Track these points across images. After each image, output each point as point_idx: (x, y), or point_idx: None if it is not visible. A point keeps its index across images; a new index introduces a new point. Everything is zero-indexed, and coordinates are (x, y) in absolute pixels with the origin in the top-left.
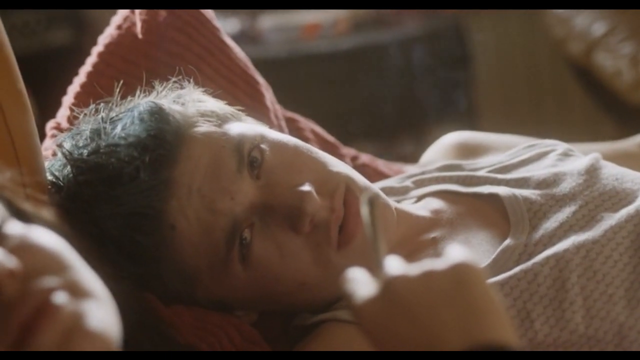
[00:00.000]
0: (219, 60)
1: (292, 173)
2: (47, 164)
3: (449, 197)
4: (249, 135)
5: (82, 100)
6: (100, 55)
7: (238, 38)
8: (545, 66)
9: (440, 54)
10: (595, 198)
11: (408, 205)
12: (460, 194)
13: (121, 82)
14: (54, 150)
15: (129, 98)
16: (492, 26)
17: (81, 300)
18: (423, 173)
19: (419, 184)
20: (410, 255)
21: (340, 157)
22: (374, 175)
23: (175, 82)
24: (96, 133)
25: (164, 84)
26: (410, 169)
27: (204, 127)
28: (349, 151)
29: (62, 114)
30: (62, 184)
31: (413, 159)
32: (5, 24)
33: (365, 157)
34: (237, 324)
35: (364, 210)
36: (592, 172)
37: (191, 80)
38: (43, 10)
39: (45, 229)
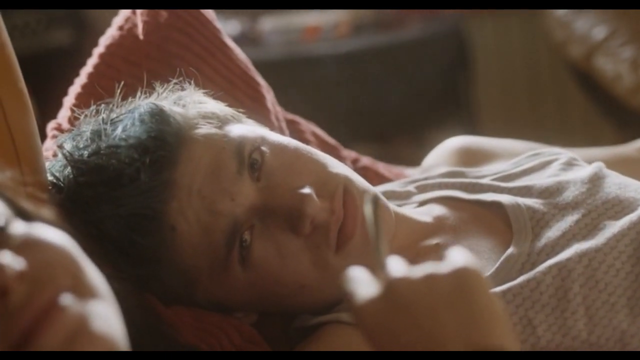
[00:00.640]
0: (220, 61)
1: (292, 175)
2: (47, 164)
3: (452, 204)
4: (250, 137)
5: (83, 101)
6: (101, 56)
7: (238, 40)
8: (545, 70)
9: (440, 57)
10: (598, 207)
11: (410, 210)
12: (463, 201)
13: (122, 83)
14: (55, 151)
15: (130, 99)
16: (493, 29)
17: (87, 301)
18: (426, 178)
19: (422, 189)
20: (413, 260)
21: (341, 159)
22: (375, 178)
23: (176, 83)
24: (97, 134)
25: (165, 85)
26: (411, 172)
27: (204, 129)
28: (349, 154)
29: (63, 115)
30: (62, 184)
31: (413, 162)
32: (6, 24)
33: (366, 160)
34: (237, 325)
35: (367, 210)
36: (595, 181)
37: (192, 81)
38: (43, 10)
39: (51, 227)
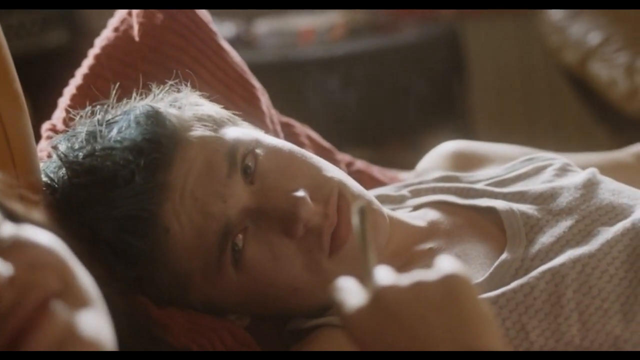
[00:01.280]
0: (216, 63)
1: (286, 178)
2: (42, 165)
3: (446, 208)
4: (244, 140)
5: (78, 102)
6: (97, 57)
7: (233, 42)
8: (540, 74)
9: (435, 61)
10: (591, 212)
11: (404, 214)
12: (457, 206)
13: (117, 84)
14: (49, 152)
15: (125, 100)
16: (488, 33)
17: (76, 305)
18: (420, 183)
19: (416, 193)
20: (406, 265)
21: (336, 162)
22: (369, 181)
23: (172, 85)
24: (92, 136)
25: (161, 87)
26: (405, 176)
27: (199, 131)
28: (344, 157)
29: (58, 116)
30: (56, 185)
31: (407, 165)
32: (1, 24)
33: (360, 163)
34: (230, 327)
35: (355, 220)
36: (589, 187)
37: (188, 83)
38: (38, 11)
39: (41, 229)
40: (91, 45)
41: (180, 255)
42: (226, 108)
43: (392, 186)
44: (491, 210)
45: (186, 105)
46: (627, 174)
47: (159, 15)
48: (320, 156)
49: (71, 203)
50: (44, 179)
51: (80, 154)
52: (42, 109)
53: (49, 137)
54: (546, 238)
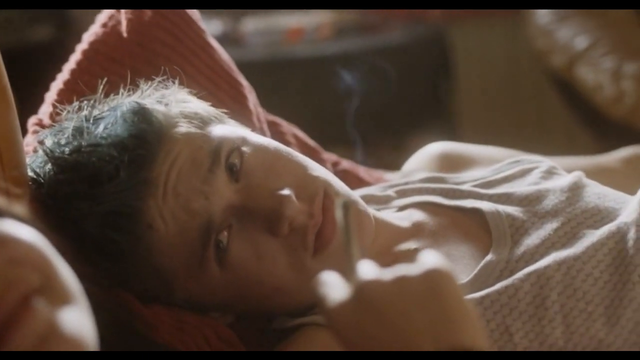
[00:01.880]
0: (203, 61)
1: (271, 176)
2: (28, 160)
3: (431, 209)
4: (230, 138)
5: (65, 97)
6: (85, 53)
7: (221, 40)
8: (526, 78)
9: (422, 62)
10: (577, 215)
11: (389, 214)
12: (442, 207)
13: (105, 80)
14: (35, 147)
15: (112, 96)
16: (475, 36)
17: (57, 302)
18: (406, 183)
19: (402, 194)
20: (391, 264)
21: (322, 162)
22: (355, 181)
23: (159, 81)
24: (78, 131)
25: (149, 84)
26: (391, 176)
27: (184, 128)
28: (330, 156)
29: (45, 111)
30: (42, 180)
31: (393, 166)
32: None
33: (346, 163)
34: (214, 325)
35: (339, 214)
36: (574, 190)
37: (176, 80)
38: None
39: (22, 223)
40: (78, 40)
41: (164, 252)
42: (213, 106)
43: (378, 186)
44: (477, 212)
45: (173, 102)
46: (613, 178)
47: (147, 11)
48: (307, 155)
49: (56, 198)
50: (30, 173)
51: (66, 150)
52: (27, 103)
53: (35, 132)
54: (531, 240)
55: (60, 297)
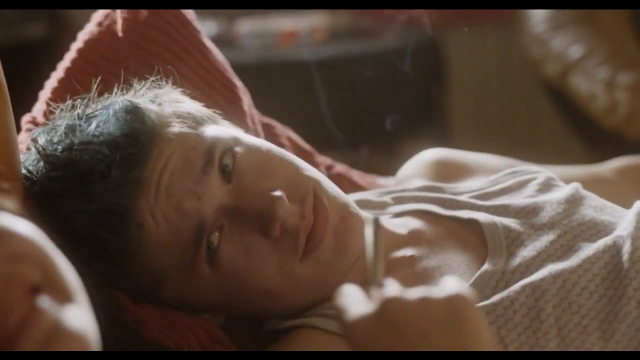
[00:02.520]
0: (198, 61)
1: (264, 177)
2: (21, 157)
3: (428, 218)
4: (223, 138)
5: (59, 95)
6: (80, 51)
7: (215, 41)
8: (519, 85)
9: (416, 68)
10: (573, 228)
11: (385, 221)
12: (439, 216)
13: (99, 79)
14: (28, 145)
15: (106, 95)
16: (469, 43)
17: (61, 300)
18: (403, 190)
19: (398, 200)
20: (387, 271)
21: (316, 165)
22: (349, 185)
23: (153, 81)
24: (71, 129)
25: (142, 83)
26: (384, 181)
27: (177, 128)
28: (324, 160)
29: (38, 108)
30: (35, 178)
31: (385, 171)
32: None
33: (340, 167)
34: (206, 325)
35: (368, 231)
36: (571, 202)
37: (170, 80)
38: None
39: (19, 218)
40: (71, 38)
41: (154, 252)
42: (207, 106)
43: (374, 192)
44: (473, 223)
45: (166, 102)
46: (607, 189)
47: (143, 11)
48: (301, 158)
49: (48, 196)
50: (23, 171)
51: (59, 148)
52: (19, 100)
53: (29, 130)
54: (527, 252)
55: (63, 294)
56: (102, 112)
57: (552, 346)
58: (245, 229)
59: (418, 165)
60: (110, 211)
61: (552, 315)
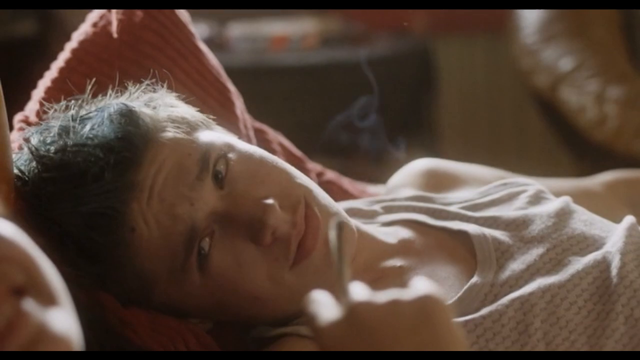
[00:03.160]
0: (192, 65)
1: (256, 185)
2: (13, 157)
3: (417, 228)
4: (217, 145)
5: (52, 95)
6: (74, 51)
7: (206, 44)
8: (508, 96)
9: (406, 76)
10: (563, 242)
11: (375, 229)
12: (429, 226)
13: (93, 80)
14: (20, 144)
15: (100, 97)
16: (459, 52)
17: (44, 302)
18: (393, 200)
19: (388, 210)
20: (376, 281)
21: (306, 171)
22: (339, 193)
23: (148, 84)
24: (65, 131)
25: (137, 86)
26: (374, 189)
27: (172, 133)
28: (315, 166)
29: (31, 108)
30: (27, 178)
31: (373, 178)
32: None
33: (330, 174)
34: (194, 330)
35: (332, 234)
36: (561, 216)
37: (164, 84)
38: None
39: (3, 220)
40: (61, 35)
41: (145, 256)
42: (201, 110)
43: (364, 200)
44: (463, 234)
45: (161, 106)
46: (596, 203)
47: (138, 13)
48: (292, 164)
49: (40, 197)
50: (15, 171)
51: (52, 149)
52: (9, 98)
53: (21, 129)
54: (517, 265)
55: (48, 297)
56: (97, 114)
57: None
58: (237, 235)
59: (408, 175)
60: (103, 214)
61: (540, 329)
